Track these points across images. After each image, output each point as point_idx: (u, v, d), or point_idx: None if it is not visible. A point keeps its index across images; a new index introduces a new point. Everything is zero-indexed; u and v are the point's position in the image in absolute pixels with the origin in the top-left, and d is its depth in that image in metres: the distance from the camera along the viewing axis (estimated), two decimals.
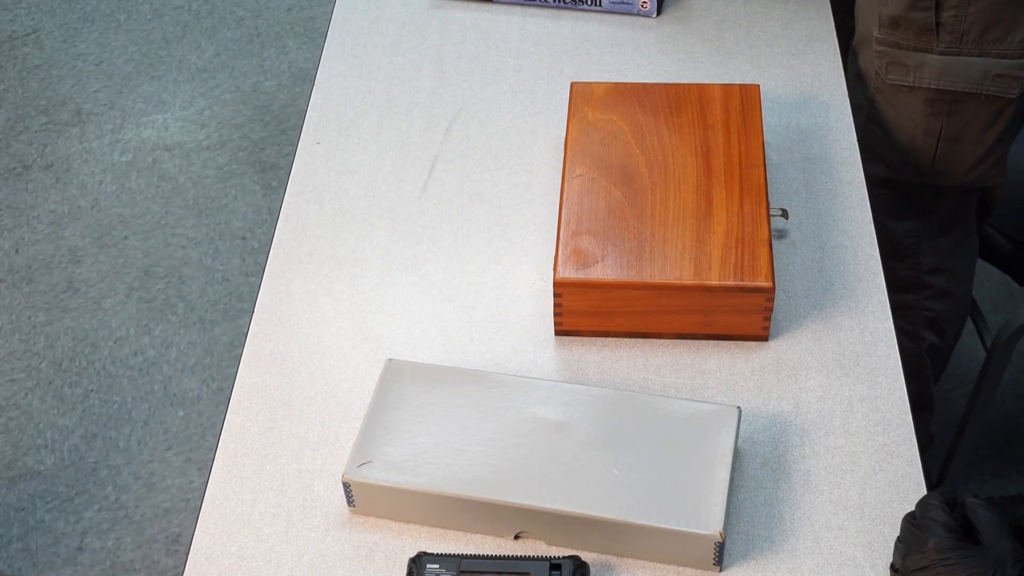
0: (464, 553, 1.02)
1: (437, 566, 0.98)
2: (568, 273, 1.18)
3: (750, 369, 1.18)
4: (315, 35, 3.00)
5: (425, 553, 1.00)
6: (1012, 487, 2.08)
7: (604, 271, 1.17)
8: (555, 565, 0.98)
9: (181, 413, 2.26)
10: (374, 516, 1.08)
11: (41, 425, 2.25)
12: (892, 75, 1.42)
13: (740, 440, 1.11)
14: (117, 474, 2.17)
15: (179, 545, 2.06)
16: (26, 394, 2.30)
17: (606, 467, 1.04)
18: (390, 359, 1.14)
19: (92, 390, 2.30)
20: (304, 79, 2.89)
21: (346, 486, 1.05)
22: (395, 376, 1.12)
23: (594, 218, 1.22)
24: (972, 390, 1.75)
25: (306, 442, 1.14)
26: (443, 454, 1.05)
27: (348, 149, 1.43)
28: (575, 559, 0.99)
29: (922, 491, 1.08)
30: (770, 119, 1.41)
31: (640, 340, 1.21)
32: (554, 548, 1.04)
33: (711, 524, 1.00)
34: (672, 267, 1.17)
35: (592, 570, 1.01)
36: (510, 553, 1.01)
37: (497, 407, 1.09)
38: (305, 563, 1.05)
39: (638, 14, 1.57)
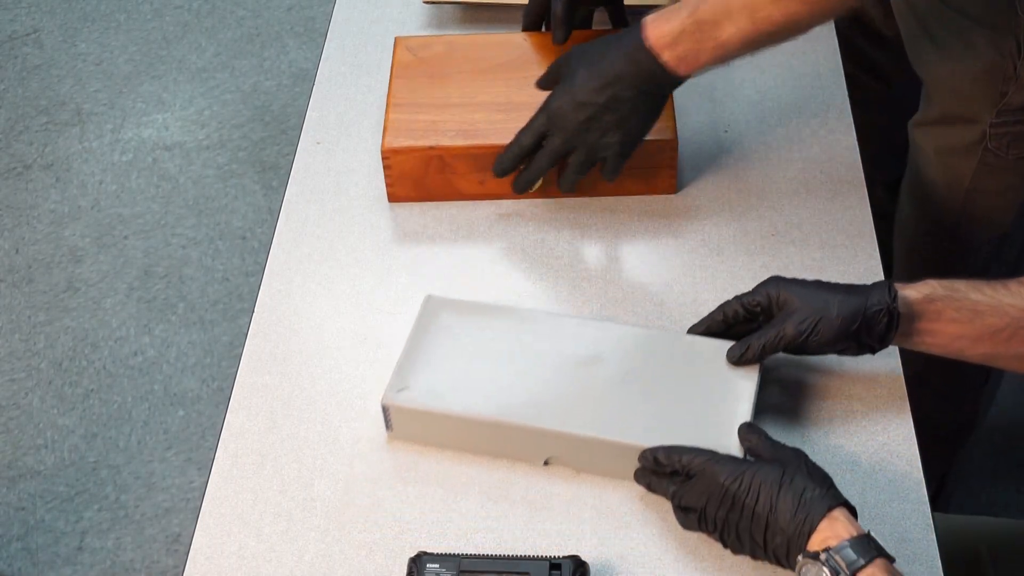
0: (464, 553, 1.02)
1: (437, 566, 0.98)
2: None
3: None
4: (315, 35, 3.00)
5: (425, 553, 1.00)
6: (1012, 488, 2.08)
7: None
8: (555, 565, 0.98)
9: (181, 413, 2.26)
10: (409, 441, 1.12)
11: (41, 425, 2.25)
12: (1015, 150, 1.43)
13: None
14: (117, 474, 2.17)
15: (179, 545, 2.06)
16: (26, 394, 2.30)
17: (633, 397, 1.08)
18: (429, 295, 1.18)
19: (92, 390, 2.30)
20: (304, 79, 2.89)
21: (385, 410, 1.10)
22: (434, 310, 1.16)
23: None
24: None
25: (306, 442, 1.14)
26: (477, 382, 1.10)
27: (348, 149, 1.43)
28: (575, 559, 0.99)
29: (922, 491, 1.08)
30: (770, 119, 1.41)
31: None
32: (582, 476, 1.08)
33: (732, 452, 1.04)
34: None
35: (592, 570, 1.01)
36: (512, 545, 1.02)
37: (531, 341, 1.13)
38: (305, 563, 1.05)
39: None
